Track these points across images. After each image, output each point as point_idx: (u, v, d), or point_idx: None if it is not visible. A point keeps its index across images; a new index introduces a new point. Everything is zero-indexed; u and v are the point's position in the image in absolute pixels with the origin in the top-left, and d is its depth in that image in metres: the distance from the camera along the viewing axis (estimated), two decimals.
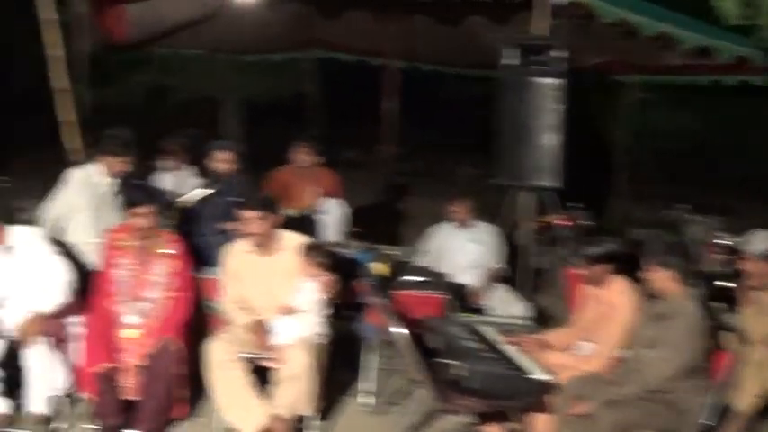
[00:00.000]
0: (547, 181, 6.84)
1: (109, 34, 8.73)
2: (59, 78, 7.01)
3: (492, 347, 4.82)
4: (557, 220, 7.35)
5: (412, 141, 13.57)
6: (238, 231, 5.61)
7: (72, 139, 7.14)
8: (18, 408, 5.18)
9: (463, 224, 6.76)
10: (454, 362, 4.49)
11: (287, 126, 14.17)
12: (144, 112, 13.62)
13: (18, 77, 11.72)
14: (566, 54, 6.71)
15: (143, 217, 5.28)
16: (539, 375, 4.54)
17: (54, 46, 6.96)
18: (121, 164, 6.12)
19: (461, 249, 6.71)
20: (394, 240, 7.96)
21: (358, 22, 9.61)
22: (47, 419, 5.11)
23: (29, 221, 5.88)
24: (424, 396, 4.81)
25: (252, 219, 5.28)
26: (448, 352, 4.65)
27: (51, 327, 5.15)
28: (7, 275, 5.22)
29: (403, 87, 10.44)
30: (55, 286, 5.31)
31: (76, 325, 5.37)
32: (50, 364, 5.07)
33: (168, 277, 5.37)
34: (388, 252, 6.75)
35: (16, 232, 5.31)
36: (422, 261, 6.80)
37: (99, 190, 6.13)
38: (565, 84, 6.75)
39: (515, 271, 7.04)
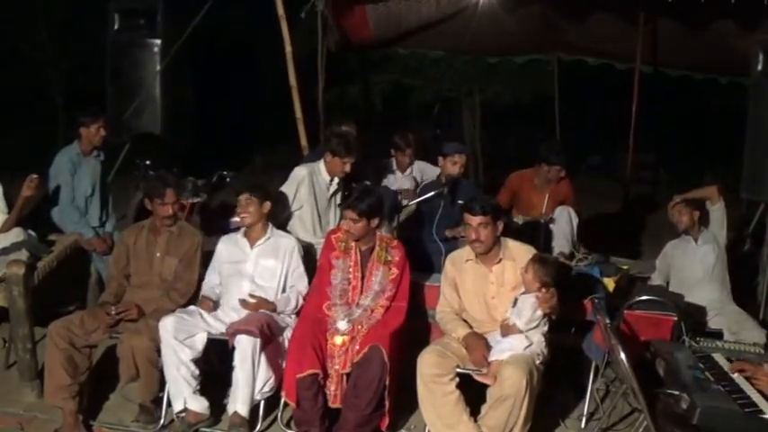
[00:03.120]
0: None
1: (350, 34, 8.86)
2: (292, 75, 7.19)
3: (722, 379, 4.31)
4: None
5: (654, 149, 12.87)
6: (463, 237, 5.41)
7: (303, 136, 7.29)
8: (219, 408, 5.29)
9: (696, 237, 6.17)
10: (677, 392, 4.08)
11: (527, 130, 14.01)
12: (384, 112, 13.82)
13: (269, 76, 12.30)
14: None
15: (353, 220, 5.25)
16: None
17: (287, 42, 7.14)
18: (343, 164, 6.13)
19: (694, 265, 6.12)
20: (629, 254, 7.45)
21: (604, 26, 9.18)
22: (249, 422, 5.13)
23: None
24: (647, 426, 4.35)
25: (475, 224, 5.04)
26: (672, 381, 4.28)
27: (265, 323, 5.19)
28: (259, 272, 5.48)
29: (647, 93, 9.86)
30: (293, 291, 5.50)
31: (287, 327, 5.42)
32: (257, 365, 5.09)
33: (385, 284, 5.28)
34: (621, 266, 6.38)
35: (272, 230, 5.59)
36: (656, 278, 6.38)
37: (321, 189, 6.17)
38: None
39: (753, 292, 6.50)
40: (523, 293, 4.97)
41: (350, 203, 5.25)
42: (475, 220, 5.03)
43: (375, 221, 5.32)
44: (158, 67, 8.86)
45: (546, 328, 4.98)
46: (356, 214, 5.21)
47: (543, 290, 4.90)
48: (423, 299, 5.64)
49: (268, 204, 5.55)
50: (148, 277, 5.58)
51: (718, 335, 5.64)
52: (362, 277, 5.31)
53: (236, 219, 5.67)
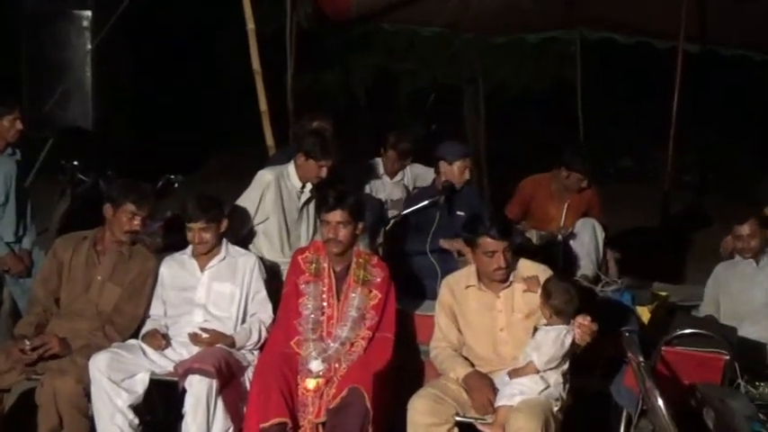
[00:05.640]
0: None
1: (325, 6, 8.88)
2: (255, 59, 7.19)
3: None
4: None
5: (699, 148, 12.96)
6: (463, 257, 5.43)
7: (268, 133, 7.30)
8: None
9: (756, 257, 6.19)
10: None
11: (541, 125, 14.08)
12: (368, 102, 13.88)
13: (226, 59, 12.30)
14: None
15: (341, 224, 5.26)
16: None
17: (249, 19, 7.15)
18: (319, 168, 6.16)
19: (752, 292, 6.14)
20: (669, 277, 7.49)
21: None
22: None
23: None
24: None
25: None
26: None
27: (223, 360, 5.19)
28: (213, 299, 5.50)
29: (691, 79, 9.90)
30: (255, 321, 5.52)
31: (249, 366, 5.43)
32: (212, 411, 5.08)
33: (366, 311, 5.30)
34: (659, 292, 6.41)
35: (228, 247, 5.63)
36: (703, 307, 6.35)
37: (291, 197, 6.18)
38: None
39: None
40: (546, 324, 5.00)
41: (335, 203, 5.27)
42: (487, 240, 5.08)
43: (360, 227, 5.37)
44: (89, 46, 8.85)
45: (566, 367, 5.00)
46: (347, 214, 5.25)
47: (563, 318, 4.92)
48: (413, 331, 5.67)
49: (225, 222, 5.60)
50: (82, 305, 5.56)
51: None
52: (338, 303, 5.33)
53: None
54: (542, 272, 5.21)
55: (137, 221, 5.54)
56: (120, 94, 9.54)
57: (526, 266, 5.27)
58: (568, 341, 4.90)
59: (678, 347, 5.37)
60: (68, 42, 9.06)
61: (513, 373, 4.96)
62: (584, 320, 4.90)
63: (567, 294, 4.97)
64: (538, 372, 4.91)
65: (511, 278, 5.21)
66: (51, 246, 5.90)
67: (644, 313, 5.98)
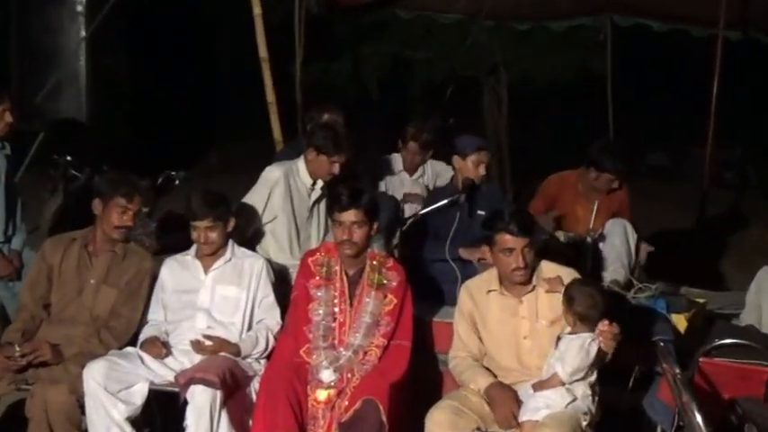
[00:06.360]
0: None
1: None
2: (262, 46, 7.20)
3: None
4: None
5: (740, 143, 12.90)
6: (484, 261, 5.43)
7: (275, 126, 7.31)
8: None
9: None
10: None
11: (567, 119, 14.07)
12: (381, 94, 13.88)
13: (230, 47, 12.33)
14: None
15: (357, 224, 5.25)
16: None
17: (255, 3, 7.16)
18: (331, 164, 6.17)
19: None
20: (707, 283, 7.48)
21: None
22: None
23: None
24: None
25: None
26: None
27: (227, 370, 5.21)
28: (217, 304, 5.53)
29: (731, 68, 9.87)
30: (262, 328, 5.54)
31: (255, 376, 5.44)
32: (216, 424, 5.09)
33: (379, 316, 5.30)
34: (696, 299, 6.38)
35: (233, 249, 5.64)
36: (745, 315, 6.27)
37: (301, 195, 6.19)
38: None
39: None
40: (570, 332, 4.99)
41: (349, 202, 5.24)
42: (509, 239, 5.07)
43: (375, 228, 5.37)
44: (83, 33, 8.87)
45: (593, 378, 4.99)
46: (362, 214, 5.24)
47: (590, 325, 4.91)
48: (431, 340, 5.68)
49: (233, 221, 5.61)
50: (75, 310, 5.58)
51: None
52: (351, 310, 5.33)
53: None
54: (568, 275, 5.20)
55: (128, 216, 5.55)
56: (117, 84, 9.58)
57: (550, 269, 5.26)
58: (594, 350, 4.86)
59: (717, 359, 5.36)
60: (61, 29, 9.09)
61: (538, 386, 4.95)
62: (604, 326, 4.87)
63: (591, 299, 4.94)
64: (563, 384, 4.90)
65: (533, 281, 5.20)
66: (42, 246, 5.91)
67: (680, 321, 5.94)
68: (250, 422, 5.14)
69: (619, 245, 6.66)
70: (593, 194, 6.90)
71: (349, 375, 5.13)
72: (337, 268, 5.39)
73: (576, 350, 4.88)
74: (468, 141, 6.56)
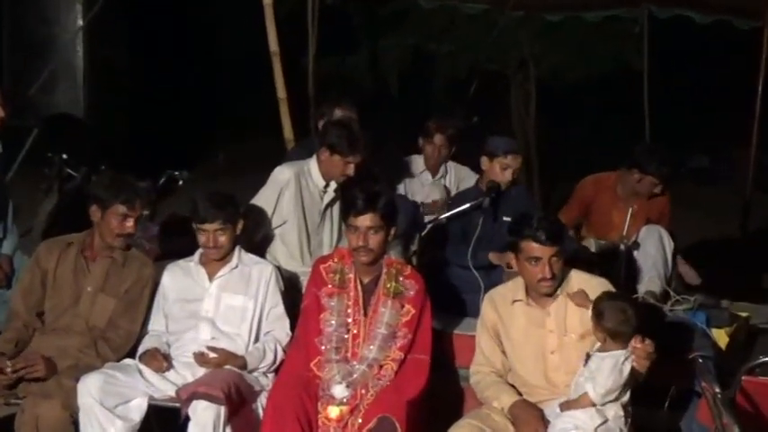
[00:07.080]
0: None
1: None
2: (273, 38, 7.22)
3: None
4: None
5: None
6: (511, 269, 5.48)
7: (286, 123, 7.33)
8: None
9: None
10: None
11: (601, 117, 14.05)
12: (401, 89, 13.89)
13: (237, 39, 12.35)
14: None
15: (373, 229, 5.23)
16: None
17: None
18: (346, 164, 6.18)
19: None
20: (750, 296, 7.45)
21: None
22: None
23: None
24: None
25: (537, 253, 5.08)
26: None
27: (233, 384, 5.21)
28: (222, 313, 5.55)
29: None
30: (270, 339, 5.56)
31: (262, 391, 5.46)
32: None
33: (398, 329, 5.30)
34: (738, 313, 6.35)
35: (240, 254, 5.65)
36: None
37: (313, 197, 6.21)
38: None
39: None
40: (599, 349, 4.98)
41: (365, 206, 5.22)
42: (536, 247, 5.06)
43: (392, 233, 5.36)
44: (80, 23, 8.90)
45: (626, 399, 4.98)
46: (379, 218, 5.22)
47: (622, 339, 4.90)
48: (451, 353, 5.70)
49: (242, 224, 5.63)
50: (70, 320, 5.59)
51: None
52: (365, 320, 5.33)
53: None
54: (600, 285, 5.18)
55: (129, 223, 5.55)
56: (115, 77, 9.61)
57: (580, 279, 5.25)
58: (627, 369, 4.84)
59: (761, 377, 5.37)
60: (57, 18, 9.12)
61: (565, 406, 4.95)
62: (637, 343, 4.85)
63: (622, 315, 4.89)
64: (594, 405, 4.89)
65: (559, 292, 5.19)
66: (36, 250, 5.91)
67: (720, 337, 5.93)
68: None
69: (654, 253, 6.66)
70: (633, 199, 6.90)
71: (363, 391, 5.12)
72: (351, 276, 5.38)
73: (609, 370, 4.85)
74: (498, 142, 6.57)
